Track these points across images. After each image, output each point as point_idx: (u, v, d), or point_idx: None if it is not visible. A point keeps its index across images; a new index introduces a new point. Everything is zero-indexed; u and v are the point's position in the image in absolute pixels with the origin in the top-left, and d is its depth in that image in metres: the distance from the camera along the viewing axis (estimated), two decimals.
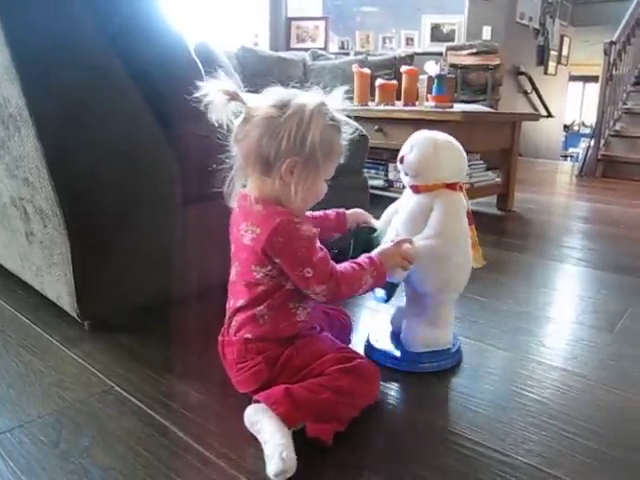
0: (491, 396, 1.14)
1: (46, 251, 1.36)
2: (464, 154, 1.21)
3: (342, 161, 1.06)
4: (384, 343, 1.29)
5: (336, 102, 1.02)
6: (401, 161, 1.20)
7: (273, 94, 0.99)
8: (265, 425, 0.91)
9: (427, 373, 1.21)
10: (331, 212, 1.24)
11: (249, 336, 1.03)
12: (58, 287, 1.37)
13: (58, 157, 1.23)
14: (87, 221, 1.30)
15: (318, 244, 1.00)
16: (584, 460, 0.94)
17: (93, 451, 0.93)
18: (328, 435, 0.94)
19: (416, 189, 1.20)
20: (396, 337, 1.30)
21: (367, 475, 0.90)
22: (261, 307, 1.02)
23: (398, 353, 1.25)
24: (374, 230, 1.25)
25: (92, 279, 1.33)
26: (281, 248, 0.97)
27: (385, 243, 1.14)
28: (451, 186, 1.18)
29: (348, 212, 1.26)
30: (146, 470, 0.89)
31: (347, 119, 1.05)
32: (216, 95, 0.97)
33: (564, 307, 1.74)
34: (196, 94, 0.97)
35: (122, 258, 1.37)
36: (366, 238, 1.23)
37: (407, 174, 1.20)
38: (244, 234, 1.02)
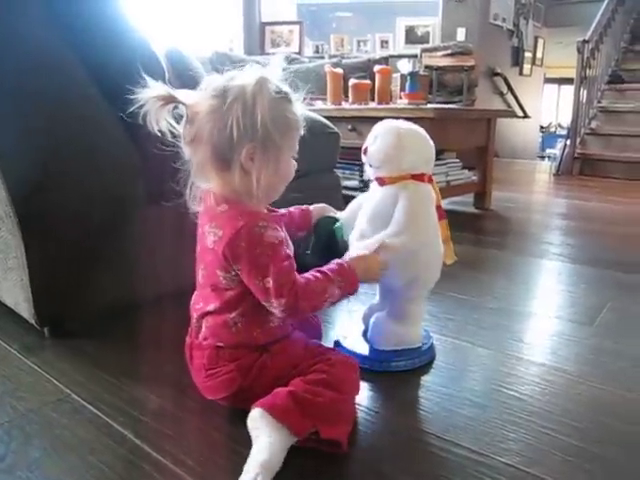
0: (468, 394, 1.09)
1: (1, 255, 1.30)
2: (430, 143, 1.15)
3: (302, 133, 0.98)
4: (353, 342, 1.24)
5: (276, 71, 0.96)
6: (365, 152, 1.14)
7: (210, 84, 0.93)
8: (263, 435, 0.84)
9: (400, 372, 1.16)
10: (295, 209, 1.18)
11: (221, 344, 0.97)
12: (15, 293, 1.31)
13: (9, 155, 1.17)
14: (42, 223, 1.23)
15: (285, 252, 0.92)
16: (564, 458, 0.90)
17: (43, 463, 0.86)
18: (343, 436, 0.89)
19: (381, 181, 1.14)
20: (366, 336, 1.25)
21: None
22: (233, 314, 0.96)
23: (367, 352, 1.20)
24: (336, 220, 1.19)
25: (49, 283, 1.27)
26: (242, 254, 0.89)
27: (356, 247, 1.08)
28: (418, 177, 1.13)
29: (312, 207, 1.21)
30: None
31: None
32: (149, 103, 0.90)
33: (543, 302, 1.71)
34: (130, 109, 0.91)
35: (81, 260, 1.31)
36: (328, 228, 1.17)
37: (371, 166, 1.15)
38: (208, 236, 0.95)
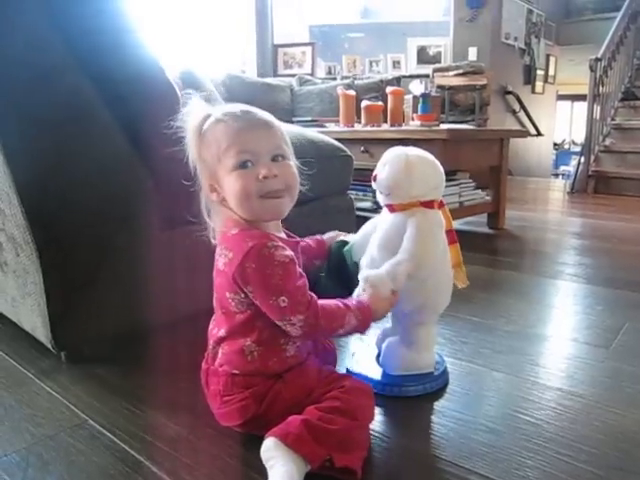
0: (483, 420, 1.08)
1: (20, 280, 1.32)
2: (439, 169, 1.15)
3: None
4: (365, 366, 1.24)
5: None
6: (374, 179, 1.14)
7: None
8: (278, 465, 0.84)
9: (413, 397, 1.16)
10: (310, 239, 1.19)
11: (236, 372, 0.97)
12: (33, 317, 1.32)
13: (28, 182, 1.19)
14: (60, 248, 1.25)
15: (297, 270, 0.93)
16: None
17: None
18: (357, 464, 0.88)
19: (391, 208, 1.14)
20: (379, 360, 1.25)
21: None
22: (249, 342, 0.96)
23: (379, 377, 1.20)
24: (346, 243, 1.20)
25: (67, 308, 1.28)
26: (252, 275, 0.90)
27: (365, 273, 1.08)
28: (427, 204, 1.12)
29: (325, 236, 1.22)
30: None
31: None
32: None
33: (559, 324, 1.69)
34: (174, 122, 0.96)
35: (98, 286, 1.32)
36: (338, 252, 1.18)
37: (381, 192, 1.15)
38: (218, 258, 0.97)
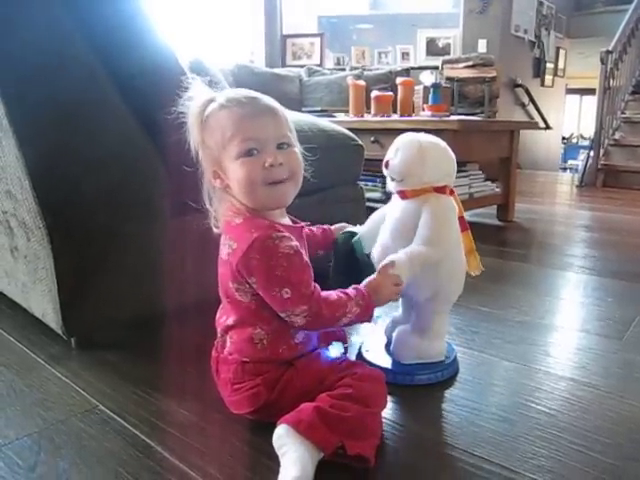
0: (496, 409, 1.07)
1: (30, 266, 1.31)
2: (452, 155, 1.14)
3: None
4: (375, 355, 1.23)
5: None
6: (386, 166, 1.13)
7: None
8: (290, 452, 0.83)
9: (425, 386, 1.15)
10: (316, 228, 1.18)
11: (246, 360, 0.97)
12: (43, 303, 1.32)
13: (40, 167, 1.19)
14: (71, 234, 1.25)
15: (301, 261, 0.91)
16: (598, 476, 0.88)
17: (72, 474, 0.87)
18: (370, 451, 0.87)
19: (403, 194, 1.13)
20: (389, 348, 1.24)
21: None
22: (258, 330, 0.95)
23: (389, 365, 1.19)
24: (354, 234, 1.18)
25: (77, 294, 1.28)
26: (257, 266, 0.88)
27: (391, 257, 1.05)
28: (440, 189, 1.12)
29: (333, 227, 1.21)
30: None
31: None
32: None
33: (570, 315, 1.68)
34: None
35: (109, 272, 1.31)
36: (346, 244, 1.16)
37: (393, 179, 1.14)
38: (222, 247, 0.96)
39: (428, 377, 1.17)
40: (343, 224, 1.22)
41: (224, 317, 1.01)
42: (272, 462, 0.86)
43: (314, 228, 1.17)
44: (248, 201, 0.94)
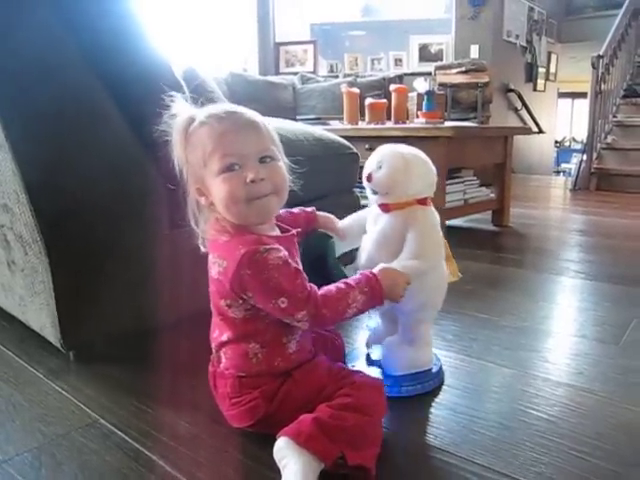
0: (495, 416, 1.08)
1: (28, 280, 1.31)
2: (433, 167, 1.14)
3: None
4: (358, 368, 1.22)
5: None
6: (369, 179, 1.11)
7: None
8: (290, 464, 0.83)
9: (422, 394, 1.15)
10: (300, 211, 1.16)
11: (243, 374, 0.97)
12: (41, 317, 1.32)
13: (37, 181, 1.19)
14: (69, 247, 1.25)
15: (292, 269, 0.90)
16: None
17: None
18: (370, 461, 0.87)
19: (386, 207, 1.12)
20: (371, 360, 1.25)
21: None
22: (252, 345, 0.95)
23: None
24: (329, 237, 1.16)
25: (75, 307, 1.28)
26: (249, 281, 0.88)
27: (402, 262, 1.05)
28: (422, 201, 1.12)
29: (319, 213, 1.19)
30: None
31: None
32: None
33: (566, 321, 1.69)
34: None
35: (107, 285, 1.31)
36: (321, 244, 1.14)
37: (375, 192, 1.12)
38: (212, 266, 0.96)
39: (416, 387, 1.16)
40: (328, 215, 1.21)
41: (217, 332, 1.01)
42: (275, 474, 0.86)
43: (296, 210, 1.15)
44: (232, 217, 0.94)
